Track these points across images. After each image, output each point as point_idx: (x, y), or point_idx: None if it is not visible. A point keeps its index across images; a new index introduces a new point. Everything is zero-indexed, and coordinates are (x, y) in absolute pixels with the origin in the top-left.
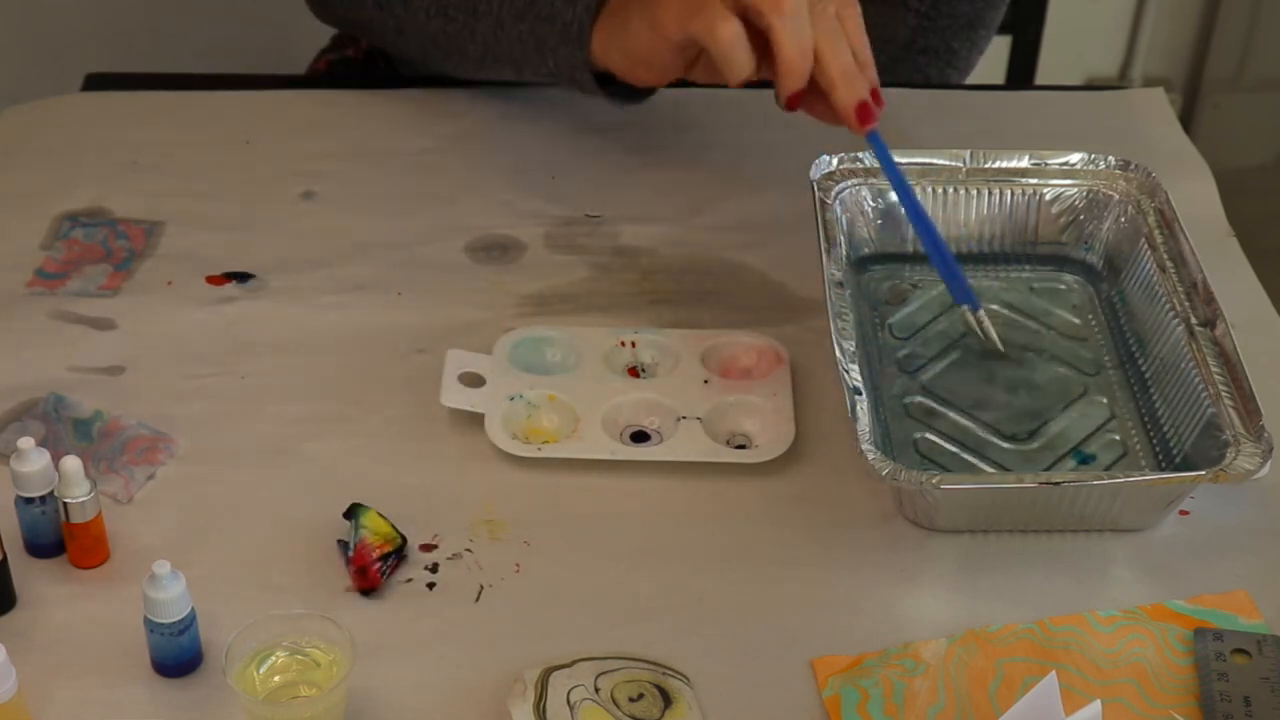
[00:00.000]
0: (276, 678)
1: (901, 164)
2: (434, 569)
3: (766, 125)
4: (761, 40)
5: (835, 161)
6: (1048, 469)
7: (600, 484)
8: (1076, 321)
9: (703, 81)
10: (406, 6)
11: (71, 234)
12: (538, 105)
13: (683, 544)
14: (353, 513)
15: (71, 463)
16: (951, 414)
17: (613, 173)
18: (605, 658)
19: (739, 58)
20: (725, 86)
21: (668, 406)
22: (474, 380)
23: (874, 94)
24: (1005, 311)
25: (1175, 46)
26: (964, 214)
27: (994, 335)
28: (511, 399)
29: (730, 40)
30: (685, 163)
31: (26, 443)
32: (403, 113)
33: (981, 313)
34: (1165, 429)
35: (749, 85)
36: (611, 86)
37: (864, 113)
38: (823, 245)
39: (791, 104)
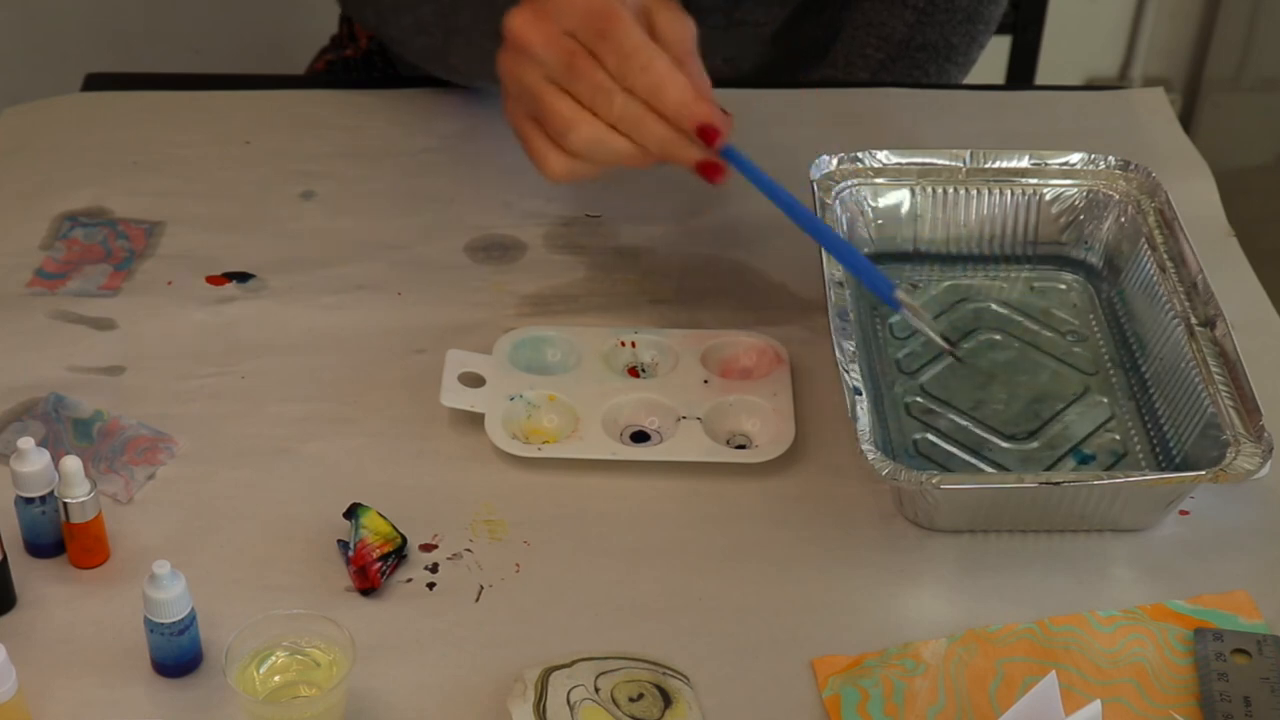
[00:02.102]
0: (276, 678)
1: (901, 164)
2: (434, 569)
3: (767, 125)
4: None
5: (835, 161)
6: (1048, 469)
7: (600, 484)
8: (1076, 321)
9: None
10: (397, 21)
11: (71, 234)
12: None
13: (683, 544)
14: (353, 513)
15: (71, 463)
16: (951, 414)
17: (613, 173)
18: (605, 658)
19: (587, 175)
20: (714, 87)
21: (668, 406)
22: (474, 380)
23: (710, 125)
24: (1005, 311)
25: (1175, 46)
26: (964, 214)
27: (927, 328)
28: (511, 399)
29: (561, 176)
30: None
31: (26, 443)
32: (403, 113)
33: (904, 311)
34: (1165, 429)
35: (719, 85)
36: None
37: (708, 171)
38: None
39: (705, 171)
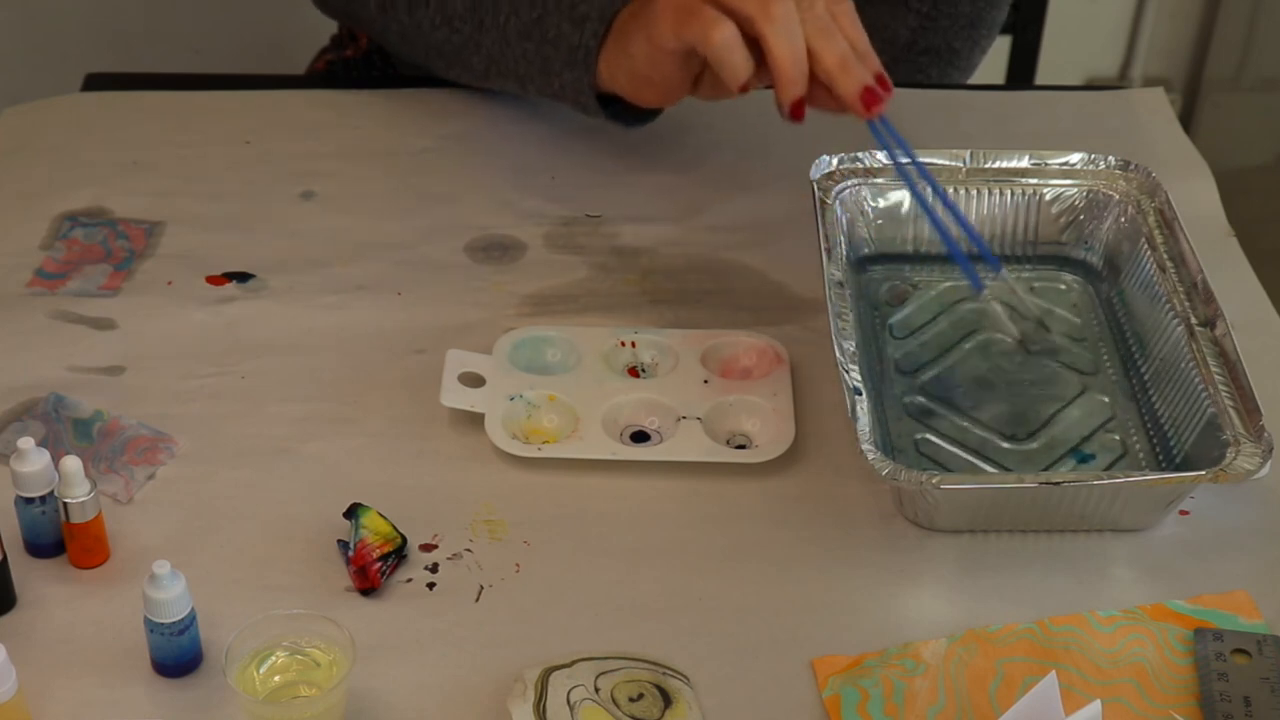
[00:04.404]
0: (276, 678)
1: (906, 162)
2: (434, 569)
3: (766, 125)
4: (758, 48)
5: (835, 161)
6: (1048, 469)
7: (600, 484)
8: (1077, 321)
9: (708, 97)
10: (410, 14)
11: (71, 234)
12: (538, 105)
13: (683, 544)
14: (353, 513)
15: (71, 463)
16: (951, 414)
17: (613, 173)
18: (605, 658)
19: (735, 60)
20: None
21: (668, 406)
22: (474, 380)
23: (879, 80)
24: (1005, 311)
25: (1175, 46)
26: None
27: (1004, 321)
28: (511, 399)
29: (724, 43)
30: (685, 163)
31: (26, 443)
32: (403, 113)
33: (986, 294)
34: (1165, 429)
35: (799, 116)
36: (615, 108)
37: (869, 98)
38: (823, 245)
39: (795, 113)
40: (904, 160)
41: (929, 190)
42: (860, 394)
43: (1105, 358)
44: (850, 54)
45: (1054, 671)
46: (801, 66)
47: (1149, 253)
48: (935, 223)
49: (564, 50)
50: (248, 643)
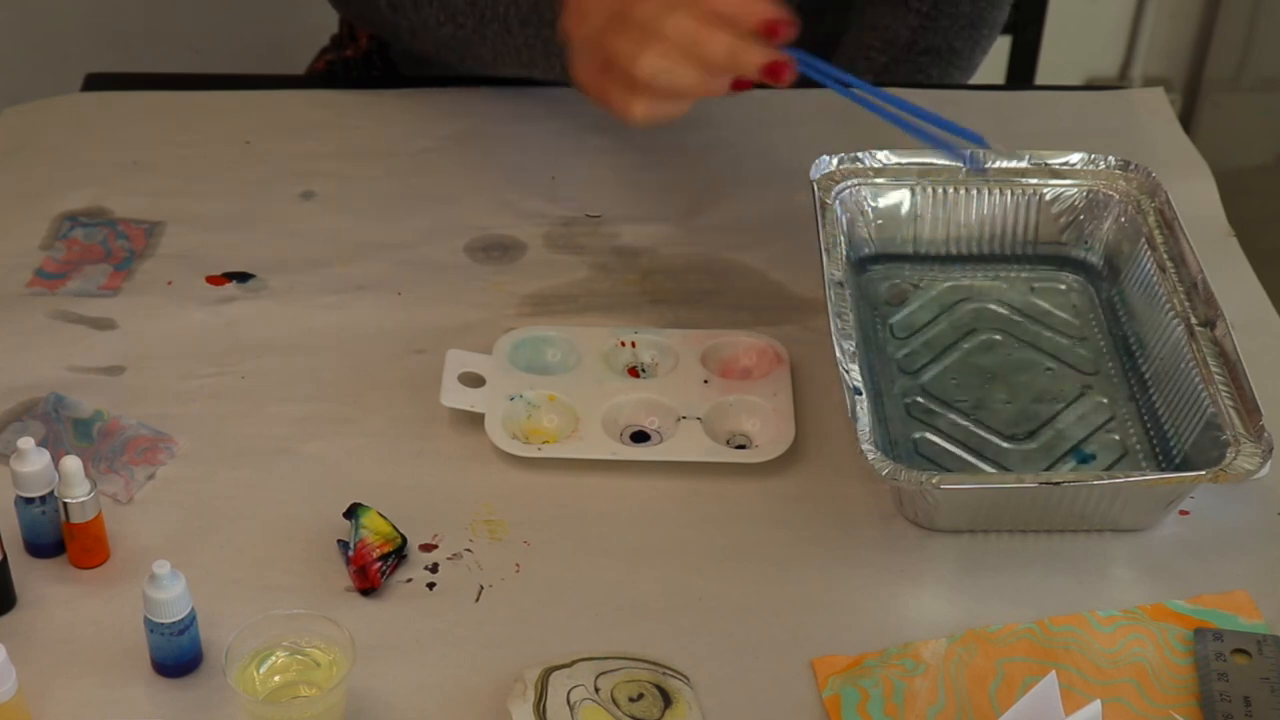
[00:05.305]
0: (276, 678)
1: (901, 164)
2: (434, 569)
3: (766, 125)
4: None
5: (835, 161)
6: (1048, 469)
7: (600, 484)
8: (1076, 321)
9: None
10: (417, 11)
11: (71, 234)
12: (538, 105)
13: (683, 544)
14: (353, 513)
15: (71, 463)
16: (951, 414)
17: (613, 173)
18: (605, 658)
19: (669, 114)
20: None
21: (668, 406)
22: (474, 380)
23: (769, 25)
24: (1005, 311)
25: (1175, 46)
26: (964, 214)
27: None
28: (511, 399)
29: (644, 119)
30: (685, 163)
31: (26, 443)
32: (403, 113)
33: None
34: (1165, 429)
35: (746, 87)
36: None
37: (774, 72)
38: (823, 245)
39: (736, 88)
40: (847, 86)
41: (923, 201)
42: (860, 394)
43: (1105, 358)
44: (729, 40)
45: (1054, 671)
46: (702, 85)
47: (1149, 253)
48: (902, 124)
49: (561, 32)
50: (248, 643)
